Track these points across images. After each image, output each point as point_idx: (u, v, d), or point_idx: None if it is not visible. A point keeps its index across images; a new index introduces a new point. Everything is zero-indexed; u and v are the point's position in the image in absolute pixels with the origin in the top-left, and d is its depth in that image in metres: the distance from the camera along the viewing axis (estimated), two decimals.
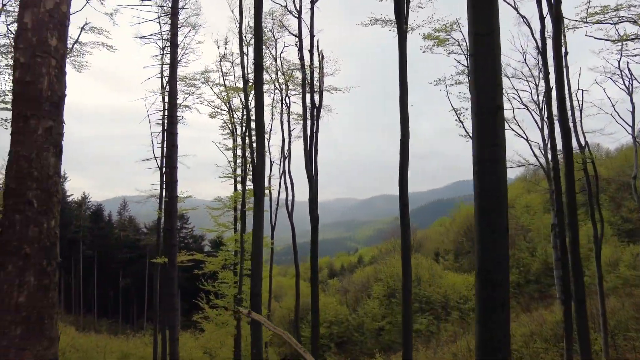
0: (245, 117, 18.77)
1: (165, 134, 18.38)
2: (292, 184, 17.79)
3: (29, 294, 2.37)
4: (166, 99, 18.67)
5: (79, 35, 13.23)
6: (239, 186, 20.13)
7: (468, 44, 3.42)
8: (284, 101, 17.64)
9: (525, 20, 14.18)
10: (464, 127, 20.99)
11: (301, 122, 18.63)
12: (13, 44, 2.43)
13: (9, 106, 9.08)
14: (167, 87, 18.49)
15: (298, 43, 14.11)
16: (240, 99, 18.40)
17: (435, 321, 31.39)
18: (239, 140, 20.02)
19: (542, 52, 12.20)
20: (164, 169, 18.53)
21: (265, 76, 19.42)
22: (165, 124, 18.69)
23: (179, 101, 17.80)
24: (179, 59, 17.69)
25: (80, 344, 23.70)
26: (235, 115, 19.77)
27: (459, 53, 20.76)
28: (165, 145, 17.82)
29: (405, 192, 8.60)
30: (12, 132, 2.49)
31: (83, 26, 13.29)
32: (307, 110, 14.07)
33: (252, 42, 18.52)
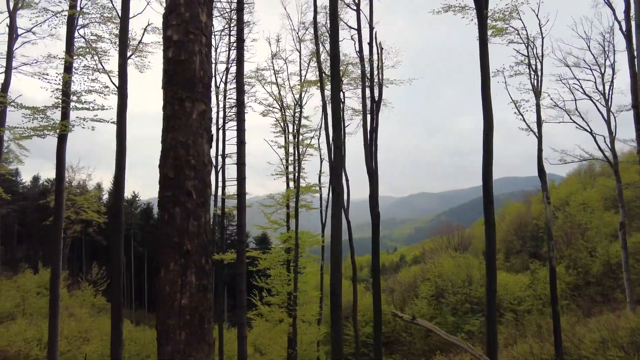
0: (297, 114, 18.63)
1: (220, 132, 18.56)
2: (347, 180, 17.43)
3: (191, 295, 2.14)
4: (219, 97, 18.82)
5: (142, 36, 13.41)
6: (291, 183, 20.03)
7: None
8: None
9: (606, 0, 13.13)
10: (524, 119, 19.86)
11: (356, 117, 18.30)
12: (162, 22, 2.18)
13: (87, 106, 9.27)
14: (221, 85, 18.66)
15: (357, 36, 13.73)
16: (294, 97, 18.25)
17: None
18: (291, 137, 19.90)
19: (627, 35, 11.25)
20: (219, 166, 18.70)
21: (318, 72, 19.20)
22: (220, 123, 18.87)
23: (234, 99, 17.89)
24: (233, 57, 17.79)
25: (137, 337, 24.42)
26: (287, 113, 19.64)
27: (519, 42, 19.72)
28: (224, 144, 17.98)
29: (490, 187, 8.05)
30: (166, 116, 2.27)
31: (146, 27, 13.46)
32: (367, 104, 13.68)
33: (305, 37, 18.35)
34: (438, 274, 36.34)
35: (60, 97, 9.22)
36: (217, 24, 18.78)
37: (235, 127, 10.22)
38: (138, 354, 22.48)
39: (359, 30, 13.86)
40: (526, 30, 19.52)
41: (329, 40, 17.66)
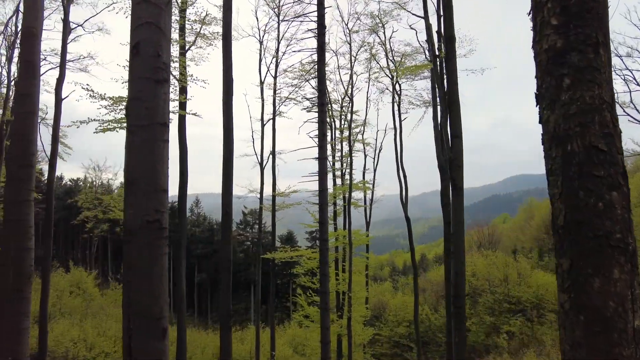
0: (347, 108, 18.01)
1: (264, 128, 17.99)
2: (404, 176, 16.76)
3: None
4: (266, 93, 18.25)
5: (200, 28, 12.91)
6: (338, 180, 19.43)
7: None
8: (394, 89, 16.65)
9: None
10: None
11: (411, 110, 17.61)
12: None
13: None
14: (267, 77, 18.06)
15: (424, 24, 13.05)
16: (344, 90, 17.59)
17: (528, 323, 29.27)
18: (337, 133, 19.28)
19: None
20: (264, 163, 18.13)
21: (368, 64, 18.54)
22: (264, 119, 18.31)
23: (284, 94, 17.34)
24: (283, 50, 17.23)
25: (172, 337, 23.73)
26: (333, 107, 19.01)
27: None
28: (274, 139, 17.42)
29: None
30: (573, 66, 1.65)
31: (204, 18, 12.95)
32: (433, 96, 13.01)
33: (354, 27, 17.67)
34: (471, 273, 35.40)
35: None
36: (264, 17, 18.18)
37: (317, 119, 9.63)
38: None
39: (426, 18, 13.17)
40: None
41: (383, 29, 17.05)
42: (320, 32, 9.58)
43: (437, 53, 12.28)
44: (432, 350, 31.69)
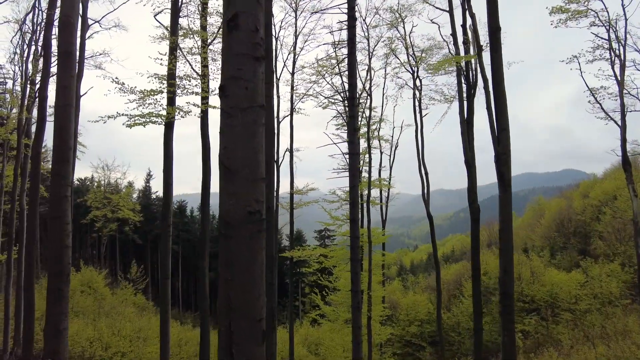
0: (367, 103, 17.73)
1: (280, 125, 17.71)
2: (426, 174, 16.49)
3: None
4: (282, 90, 18.00)
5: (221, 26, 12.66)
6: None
7: None
8: (415, 84, 16.36)
9: None
10: (602, 108, 18.72)
11: (431, 105, 17.33)
12: None
13: (197, 90, 8.50)
14: (283, 72, 17.75)
15: (449, 17, 12.79)
16: (363, 86, 17.31)
17: (543, 322, 28.91)
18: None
19: None
20: (280, 161, 17.88)
21: (386, 60, 18.27)
22: (280, 116, 18.03)
23: (302, 90, 17.08)
24: (301, 46, 16.98)
25: (189, 338, 23.78)
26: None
27: (598, 25, 18.52)
28: (291, 137, 17.15)
29: None
30: None
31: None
32: (459, 91, 12.73)
33: (372, 22, 17.39)
34: (483, 272, 35.14)
35: (167, 80, 8.50)
36: (279, 12, 17.98)
37: (352, 116, 9.37)
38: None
39: (450, 11, 12.91)
40: (607, 12, 18.29)
41: (402, 24, 16.76)
42: (351, 24, 9.32)
43: (481, 45, 11.84)
44: (444, 350, 31.39)
